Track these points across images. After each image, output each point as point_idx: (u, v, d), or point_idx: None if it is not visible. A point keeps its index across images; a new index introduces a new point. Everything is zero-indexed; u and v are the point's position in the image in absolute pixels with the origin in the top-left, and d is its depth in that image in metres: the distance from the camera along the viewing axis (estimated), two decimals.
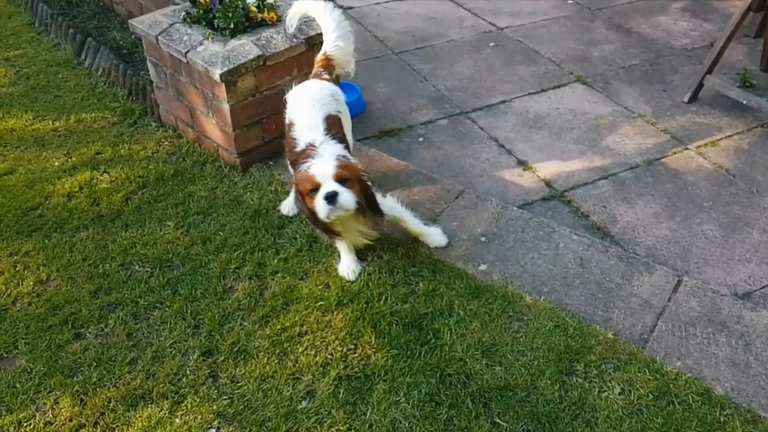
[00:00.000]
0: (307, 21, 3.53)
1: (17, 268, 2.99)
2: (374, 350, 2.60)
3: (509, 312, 2.77)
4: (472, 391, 2.46)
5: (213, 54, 3.29)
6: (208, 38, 3.39)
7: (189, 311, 2.81)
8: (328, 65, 3.21)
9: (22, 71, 4.65)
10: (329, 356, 2.59)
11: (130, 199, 3.44)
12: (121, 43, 4.88)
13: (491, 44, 5.17)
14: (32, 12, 5.51)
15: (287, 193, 3.38)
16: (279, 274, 2.97)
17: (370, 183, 2.71)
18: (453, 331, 2.68)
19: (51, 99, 4.34)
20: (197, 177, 3.58)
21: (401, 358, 2.57)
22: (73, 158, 3.74)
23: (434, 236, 3.06)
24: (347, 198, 2.53)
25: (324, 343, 2.64)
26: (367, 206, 2.67)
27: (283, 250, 3.10)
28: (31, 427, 2.34)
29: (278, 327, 2.71)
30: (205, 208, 3.36)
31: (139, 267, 3.02)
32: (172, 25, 3.51)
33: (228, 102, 3.34)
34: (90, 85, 4.50)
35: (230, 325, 2.74)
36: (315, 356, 2.59)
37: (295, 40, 3.47)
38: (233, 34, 3.41)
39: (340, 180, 2.54)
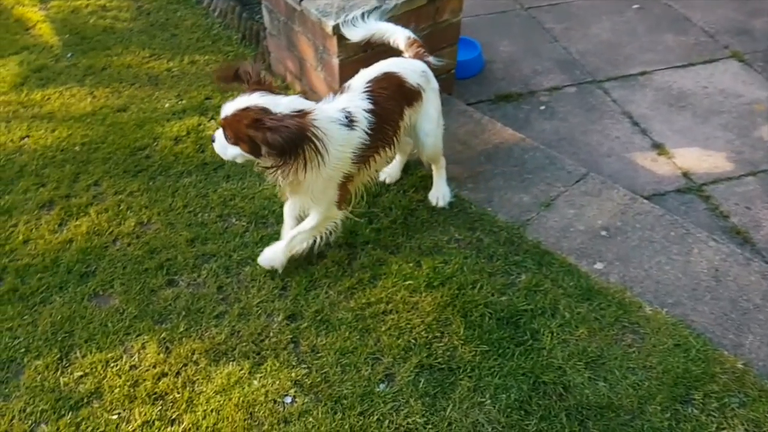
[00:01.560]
0: None
1: (120, 207, 3.06)
2: (462, 342, 2.41)
3: (624, 322, 2.46)
4: (569, 406, 2.21)
5: (328, 3, 3.11)
6: None
7: (278, 272, 2.74)
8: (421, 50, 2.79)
9: (143, 7, 4.73)
10: (413, 341, 2.43)
11: None
12: None
13: (635, 6, 4.58)
14: None
15: (386, 162, 3.17)
16: (369, 245, 2.82)
17: (270, 141, 2.11)
18: (554, 334, 2.42)
19: (168, 37, 4.38)
20: None
21: (491, 355, 2.36)
22: (184, 101, 3.76)
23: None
24: (218, 146, 2.32)
25: (409, 326, 2.48)
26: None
27: (376, 220, 2.95)
28: (117, 368, 2.40)
29: (363, 301, 2.59)
30: None
31: (236, 220, 2.99)
32: None
33: (338, 56, 3.16)
34: (206, 25, 4.50)
35: (316, 291, 2.65)
36: (398, 338, 2.44)
37: None
38: None
39: (224, 128, 2.23)
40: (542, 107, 3.76)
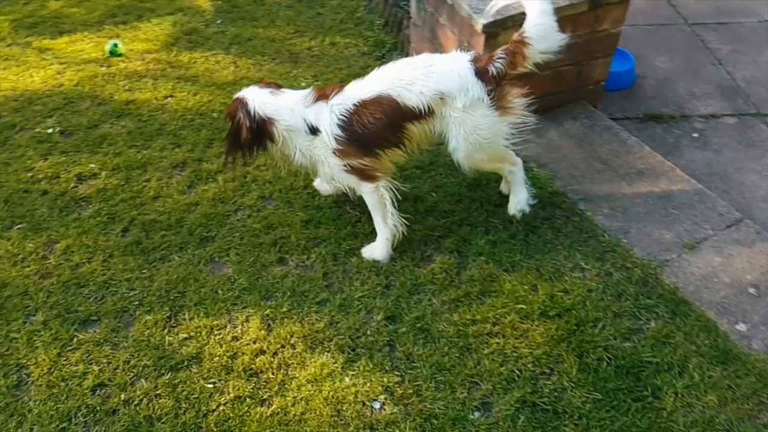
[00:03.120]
0: None
1: (246, 179, 3.12)
2: (572, 385, 2.20)
3: (762, 396, 2.14)
4: None
5: (482, 0, 2.95)
6: None
7: (383, 269, 2.67)
8: (517, 51, 2.46)
9: None
10: (517, 372, 2.26)
11: None
12: None
13: None
14: None
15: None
16: (482, 258, 2.67)
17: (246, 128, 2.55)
18: (679, 395, 2.15)
19: (313, 15, 4.43)
20: None
21: (604, 406, 2.14)
22: (320, 82, 3.78)
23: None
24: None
25: (515, 355, 2.31)
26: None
27: (493, 231, 2.78)
28: (220, 336, 2.44)
29: (468, 317, 2.44)
30: (425, 164, 3.15)
31: (350, 209, 2.95)
32: None
33: None
34: (351, 7, 4.49)
35: (419, 296, 2.55)
36: (501, 365, 2.28)
37: None
38: None
39: None
40: (695, 134, 3.41)
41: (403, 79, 2.47)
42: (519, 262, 2.64)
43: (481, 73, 2.45)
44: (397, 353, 2.36)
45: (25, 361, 2.33)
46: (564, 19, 3.00)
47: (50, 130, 3.32)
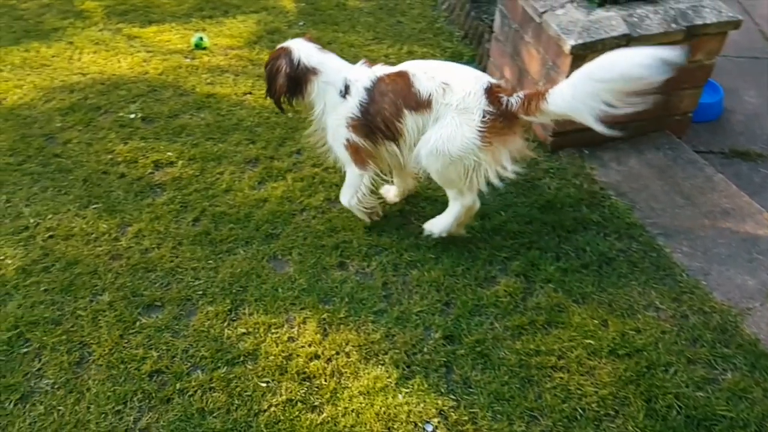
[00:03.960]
0: (695, 6, 2.84)
1: (314, 180, 3.12)
2: (638, 431, 2.08)
3: None
4: None
5: (572, 21, 2.86)
6: (573, 2, 2.96)
7: (444, 285, 2.61)
8: (533, 101, 2.35)
9: None
10: (580, 410, 2.15)
11: None
12: None
13: None
14: None
15: (590, 195, 2.88)
16: (550, 285, 2.57)
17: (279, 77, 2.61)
18: None
19: (393, 23, 4.42)
20: None
21: None
22: None
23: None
24: None
25: (579, 392, 2.20)
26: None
27: (565, 258, 2.67)
28: (277, 336, 2.43)
29: (531, 347, 2.35)
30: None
31: (414, 220, 2.90)
32: None
33: (568, 76, 2.90)
34: (432, 17, 4.46)
35: (480, 318, 2.47)
36: (563, 401, 2.18)
37: (674, 25, 2.82)
38: (602, 3, 2.93)
39: None
40: None
41: (427, 67, 2.53)
42: (590, 294, 2.53)
43: (491, 92, 2.39)
44: (454, 376, 2.29)
45: (88, 339, 2.38)
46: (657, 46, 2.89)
47: (133, 116, 3.43)
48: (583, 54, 2.83)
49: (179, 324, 2.46)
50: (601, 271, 2.63)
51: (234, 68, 3.89)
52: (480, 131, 2.38)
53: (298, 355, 2.36)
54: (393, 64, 3.98)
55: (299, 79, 2.60)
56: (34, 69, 3.76)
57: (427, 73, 2.48)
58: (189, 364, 2.32)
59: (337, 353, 2.38)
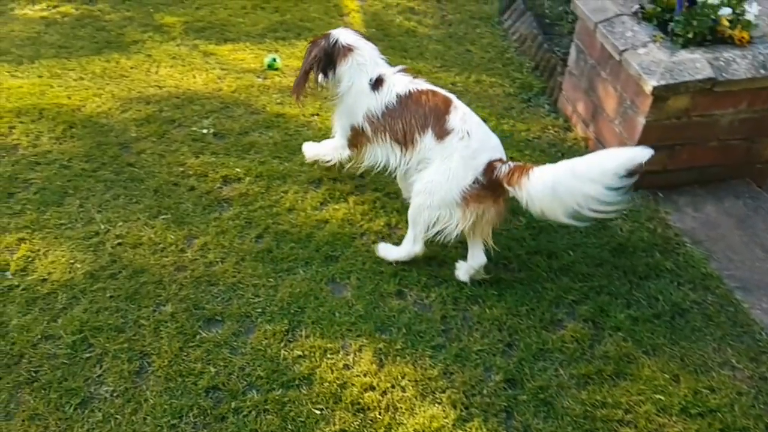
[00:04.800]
0: None
1: (376, 204, 3.10)
2: None
3: None
4: None
5: (654, 61, 2.78)
6: (655, 41, 2.87)
7: (507, 324, 2.53)
8: (516, 174, 2.42)
9: (447, 17, 4.84)
10: None
11: None
12: (546, 11, 4.67)
13: None
14: None
15: (664, 240, 2.75)
16: (620, 333, 2.46)
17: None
18: None
19: (462, 52, 4.41)
20: None
21: None
22: None
23: None
24: None
25: None
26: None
27: (636, 306, 2.56)
28: (332, 362, 2.40)
29: (598, 398, 2.24)
30: None
31: None
32: (618, 15, 3.09)
33: (646, 117, 2.82)
34: (501, 47, 4.43)
35: (544, 363, 2.38)
36: None
37: (762, 71, 2.71)
38: (686, 45, 2.84)
39: None
40: None
41: (467, 110, 2.62)
42: (661, 346, 2.41)
43: (490, 165, 2.47)
44: (515, 422, 2.20)
45: (149, 349, 2.41)
46: (742, 92, 2.78)
47: (205, 131, 3.51)
48: (665, 95, 2.74)
49: (238, 341, 2.46)
50: (674, 322, 2.50)
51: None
52: (464, 192, 2.49)
53: (353, 384, 2.32)
54: (460, 92, 4.03)
55: (334, 54, 2.77)
56: (113, 79, 3.91)
57: (465, 115, 2.58)
58: (245, 382, 2.31)
59: (393, 386, 2.32)
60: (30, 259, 2.72)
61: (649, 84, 2.72)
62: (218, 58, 4.16)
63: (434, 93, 2.67)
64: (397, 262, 2.78)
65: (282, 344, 2.45)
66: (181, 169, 3.25)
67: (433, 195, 2.56)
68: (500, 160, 2.50)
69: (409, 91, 2.67)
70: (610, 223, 2.97)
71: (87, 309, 2.53)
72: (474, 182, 2.48)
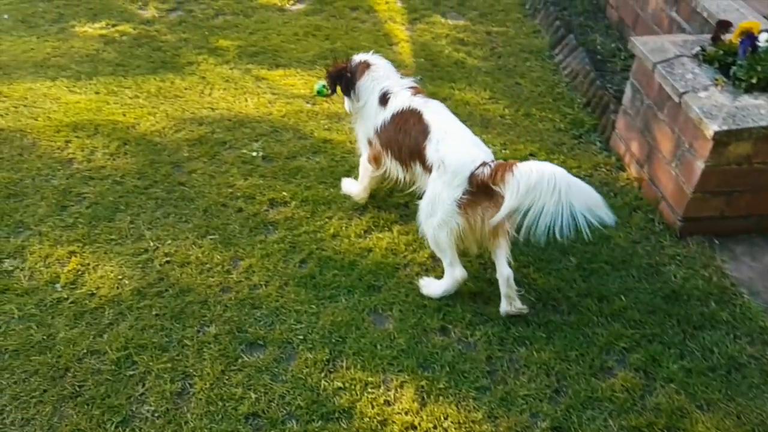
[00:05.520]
0: None
1: (417, 236, 3.08)
2: None
3: None
4: None
5: (716, 105, 2.71)
6: (717, 85, 2.81)
7: (555, 369, 2.45)
8: (500, 170, 2.45)
9: (497, 49, 4.84)
10: None
11: None
12: (599, 47, 4.63)
13: None
14: None
15: (719, 290, 2.65)
16: (672, 385, 2.36)
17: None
18: None
19: (511, 84, 4.39)
20: (620, 223, 3.12)
21: None
22: (507, 150, 3.69)
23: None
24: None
25: None
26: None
27: (689, 357, 2.45)
28: (373, 397, 2.36)
29: None
30: (616, 261, 2.91)
31: (525, 293, 2.77)
32: (678, 57, 3.03)
33: (705, 161, 2.75)
34: (552, 82, 4.40)
35: (593, 413, 2.29)
36: None
37: None
38: (749, 90, 2.77)
39: None
40: None
41: (444, 128, 2.70)
42: (716, 401, 2.30)
43: (473, 175, 2.52)
44: None
45: (191, 370, 2.41)
46: None
47: (255, 154, 3.55)
48: (726, 141, 2.67)
49: (279, 367, 2.44)
50: (730, 377, 2.39)
51: (350, 117, 3.97)
52: (458, 202, 2.56)
53: (393, 422, 2.27)
54: (509, 125, 4.00)
55: (354, 73, 3.00)
56: (167, 99, 4.00)
57: (438, 143, 2.65)
58: (285, 411, 2.29)
59: (435, 427, 2.27)
60: (80, 272, 2.77)
61: (711, 129, 2.65)
62: (269, 83, 4.23)
63: (418, 118, 2.75)
64: (441, 297, 2.74)
65: (322, 374, 2.42)
66: (230, 190, 3.28)
67: (434, 216, 2.65)
68: (483, 164, 2.53)
69: (401, 110, 2.82)
70: (663, 268, 2.88)
71: (132, 326, 2.55)
72: (464, 193, 2.56)
